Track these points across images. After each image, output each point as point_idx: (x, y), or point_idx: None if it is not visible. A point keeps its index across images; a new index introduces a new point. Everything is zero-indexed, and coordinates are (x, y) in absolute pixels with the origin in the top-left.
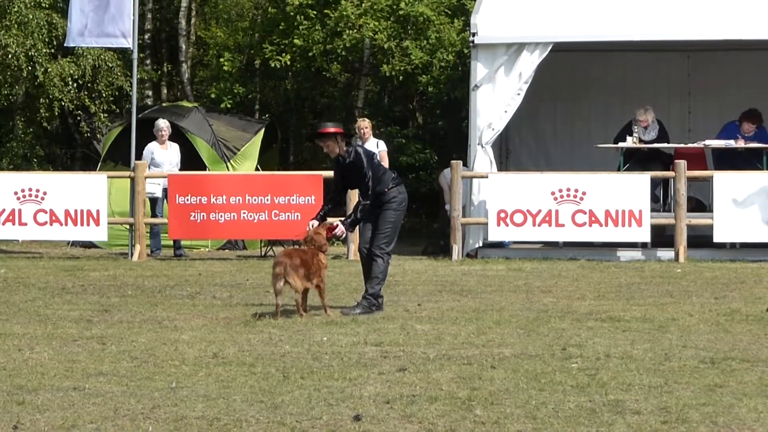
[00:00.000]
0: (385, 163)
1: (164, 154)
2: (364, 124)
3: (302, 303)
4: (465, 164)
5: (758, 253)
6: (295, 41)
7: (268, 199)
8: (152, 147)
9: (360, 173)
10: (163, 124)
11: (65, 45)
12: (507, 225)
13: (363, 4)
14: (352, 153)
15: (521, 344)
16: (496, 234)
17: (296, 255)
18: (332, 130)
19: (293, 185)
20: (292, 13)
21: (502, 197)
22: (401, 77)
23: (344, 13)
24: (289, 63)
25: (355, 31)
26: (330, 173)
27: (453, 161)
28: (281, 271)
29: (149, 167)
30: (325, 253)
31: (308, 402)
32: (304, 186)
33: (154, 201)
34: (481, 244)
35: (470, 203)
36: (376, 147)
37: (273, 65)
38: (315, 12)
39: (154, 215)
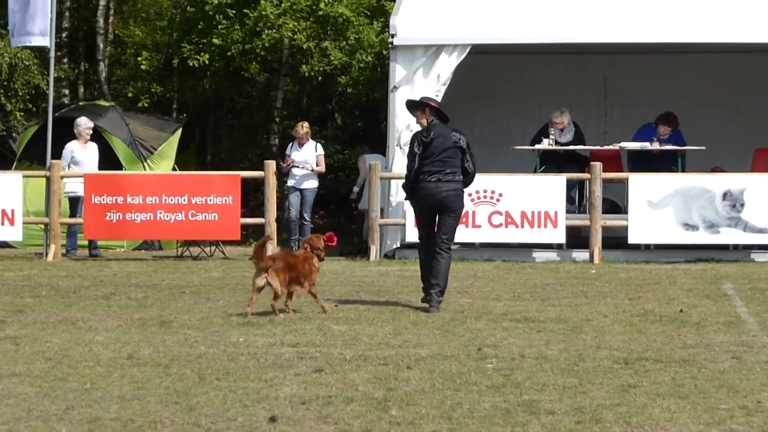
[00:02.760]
0: (322, 167)
1: (85, 153)
2: (304, 130)
3: (287, 302)
4: (383, 165)
5: (672, 254)
6: (214, 41)
7: (185, 200)
8: (72, 146)
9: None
10: (85, 123)
11: (12, 45)
12: None
13: (282, 4)
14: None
15: (437, 345)
16: (413, 235)
17: (284, 258)
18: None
19: (210, 185)
20: (210, 13)
21: None
22: (320, 78)
23: (263, 12)
24: (207, 62)
25: (275, 31)
26: (248, 173)
27: (371, 162)
28: (265, 267)
29: (69, 166)
30: (320, 258)
31: (224, 403)
32: (221, 186)
33: (75, 200)
34: (398, 245)
35: (388, 204)
36: (315, 150)
37: (191, 64)
38: (234, 11)
39: (74, 215)
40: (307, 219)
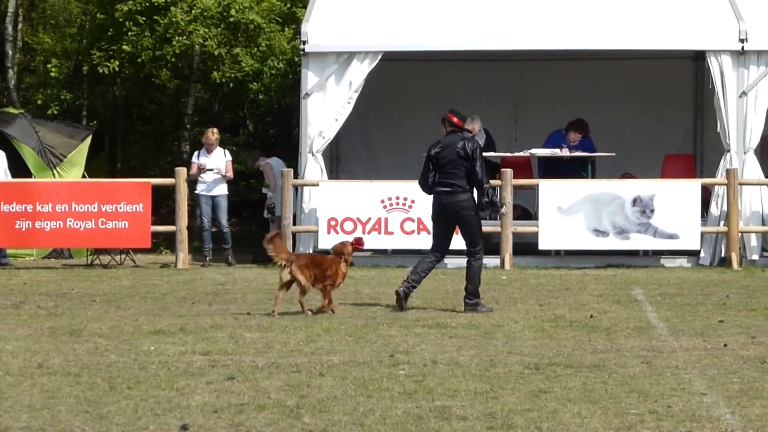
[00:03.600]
0: (231, 173)
1: None
2: (215, 136)
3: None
4: (295, 172)
5: (582, 260)
6: (124, 47)
7: (95, 207)
8: None
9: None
10: None
11: None
12: (337, 233)
13: (193, 11)
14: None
15: (350, 351)
16: (326, 242)
17: (311, 257)
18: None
19: (121, 193)
20: (120, 19)
21: (332, 205)
22: (232, 84)
23: (174, 19)
24: (117, 69)
25: (185, 37)
26: (158, 180)
27: (284, 170)
28: (289, 260)
29: None
30: (348, 263)
31: (135, 412)
32: (131, 193)
33: None
34: (311, 252)
35: (301, 211)
36: (224, 156)
37: (101, 71)
38: (144, 18)
39: None
40: (225, 225)
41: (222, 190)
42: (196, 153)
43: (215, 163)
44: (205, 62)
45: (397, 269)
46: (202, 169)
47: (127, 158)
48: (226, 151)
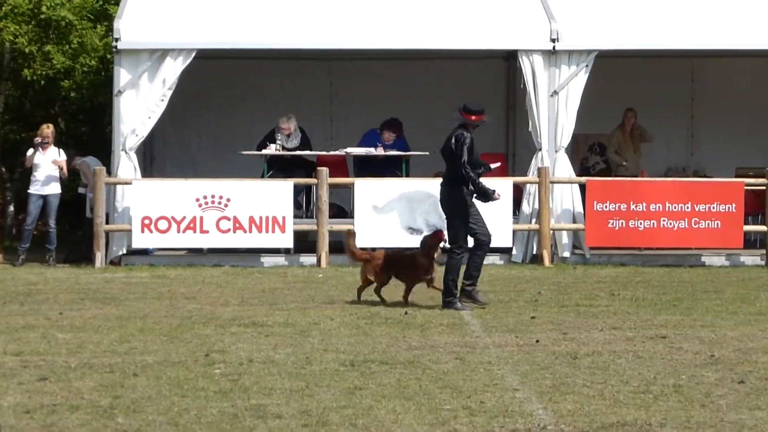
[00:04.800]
0: (66, 171)
1: None
2: (50, 129)
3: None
4: (109, 170)
5: None
6: None
7: None
8: None
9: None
10: None
11: None
12: (151, 232)
13: (3, 8)
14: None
15: (164, 351)
16: (140, 241)
17: (387, 256)
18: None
19: None
20: None
21: (146, 204)
22: (43, 82)
23: None
24: None
25: None
26: None
27: (97, 168)
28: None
29: None
30: (432, 258)
31: None
32: None
33: None
34: (125, 251)
35: (114, 210)
36: (58, 155)
37: None
38: None
39: None
40: (53, 226)
41: (55, 189)
42: (30, 151)
43: (51, 161)
44: (15, 59)
45: (212, 268)
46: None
47: None
48: (60, 150)
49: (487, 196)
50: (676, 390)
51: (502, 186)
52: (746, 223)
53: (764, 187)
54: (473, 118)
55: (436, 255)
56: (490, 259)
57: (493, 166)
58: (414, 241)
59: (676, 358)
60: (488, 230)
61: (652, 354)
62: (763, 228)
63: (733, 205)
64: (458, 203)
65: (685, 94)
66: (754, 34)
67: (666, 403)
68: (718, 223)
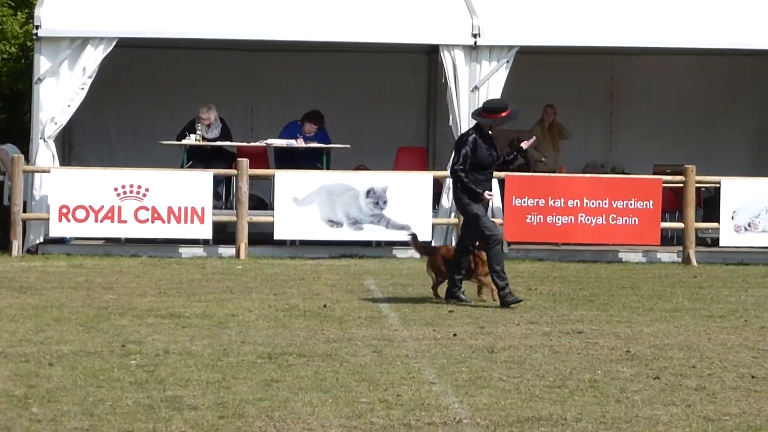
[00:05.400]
0: None
1: None
2: None
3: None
4: (27, 158)
5: (317, 250)
6: None
7: None
8: None
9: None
10: None
11: None
12: (69, 221)
13: None
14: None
15: (80, 341)
16: (57, 230)
17: (447, 250)
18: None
19: None
20: None
21: (64, 192)
22: None
23: None
24: None
25: None
26: None
27: (15, 155)
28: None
29: None
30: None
31: None
32: None
33: None
34: (42, 240)
35: (31, 198)
36: None
37: None
38: None
39: None
40: None
41: None
42: None
43: None
44: None
45: (130, 258)
46: None
47: None
48: None
49: (475, 196)
50: (591, 385)
51: (422, 180)
52: (663, 220)
53: (681, 185)
54: (491, 116)
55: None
56: (409, 253)
57: (525, 145)
58: (333, 234)
59: (592, 353)
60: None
61: (568, 349)
62: (680, 225)
63: (651, 201)
64: (459, 200)
65: (605, 91)
66: (674, 33)
67: (581, 398)
68: (635, 220)
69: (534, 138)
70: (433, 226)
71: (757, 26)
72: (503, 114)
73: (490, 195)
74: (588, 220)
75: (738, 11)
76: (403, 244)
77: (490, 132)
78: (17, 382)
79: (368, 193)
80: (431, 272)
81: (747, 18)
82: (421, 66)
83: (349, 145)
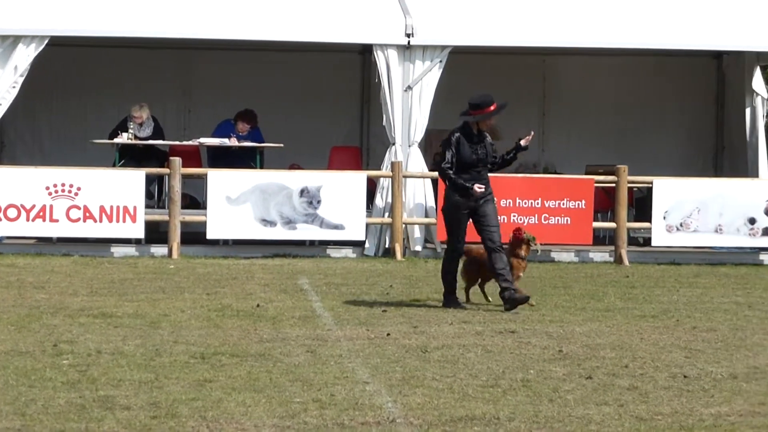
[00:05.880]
0: None
1: None
2: None
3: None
4: None
5: (250, 249)
6: None
7: None
8: None
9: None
10: None
11: None
12: (0, 220)
13: None
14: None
15: (12, 341)
16: None
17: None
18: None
19: None
20: None
21: None
22: None
23: None
24: None
25: None
26: None
27: None
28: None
29: None
30: (517, 257)
31: None
32: None
33: None
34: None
35: None
36: None
37: None
38: None
39: None
40: None
41: None
42: None
43: None
44: None
45: (62, 257)
46: None
47: None
48: None
49: (464, 191)
50: (524, 384)
51: (356, 179)
52: (596, 219)
53: (614, 185)
54: (477, 113)
55: (522, 252)
56: (342, 252)
57: (524, 142)
58: (266, 233)
59: (525, 352)
60: (460, 240)
61: (501, 348)
62: (612, 225)
63: (583, 201)
64: (445, 200)
65: (537, 91)
66: (604, 33)
67: (514, 397)
68: (567, 220)
69: (533, 133)
70: (367, 225)
71: (686, 27)
72: (490, 108)
73: (480, 188)
74: (520, 219)
75: (668, 12)
76: (337, 243)
77: (480, 130)
78: None
79: (302, 192)
80: (464, 276)
81: (677, 19)
82: (354, 65)
83: (282, 145)
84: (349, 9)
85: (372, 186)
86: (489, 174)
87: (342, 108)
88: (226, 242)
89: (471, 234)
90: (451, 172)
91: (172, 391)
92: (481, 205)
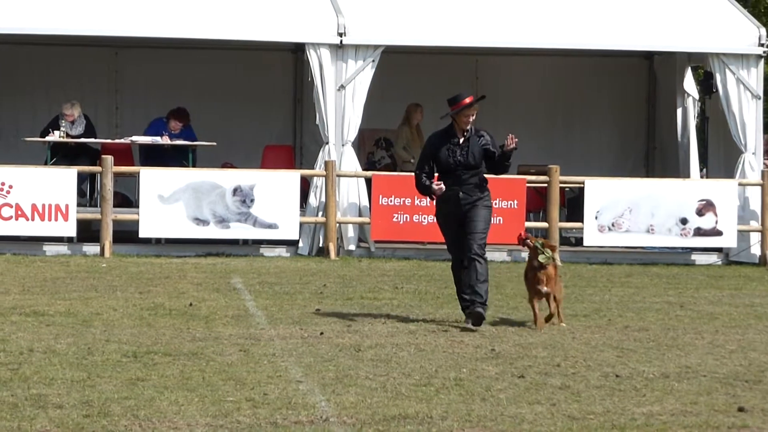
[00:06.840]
0: None
1: None
2: None
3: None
4: None
5: (183, 248)
6: None
7: None
8: None
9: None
10: None
11: None
12: None
13: None
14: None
15: None
16: None
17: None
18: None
19: None
20: None
21: None
22: None
23: None
24: None
25: None
26: None
27: None
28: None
29: None
30: (534, 268)
31: None
32: None
33: None
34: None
35: None
36: None
37: None
38: None
39: None
40: None
41: None
42: None
43: None
44: None
45: None
46: None
47: None
48: None
49: (429, 192)
50: (457, 383)
51: (289, 178)
52: (528, 219)
53: (546, 185)
54: (453, 107)
55: (534, 262)
56: (276, 251)
57: (506, 149)
58: (199, 232)
59: (458, 351)
60: (454, 248)
61: (434, 347)
62: (544, 225)
63: (515, 201)
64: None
65: (469, 91)
66: (536, 34)
67: (447, 396)
68: (500, 219)
69: (511, 136)
70: (301, 224)
71: (618, 28)
72: (465, 101)
73: (437, 185)
74: None
75: (599, 13)
76: (270, 242)
77: (465, 133)
78: None
79: (235, 191)
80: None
81: (608, 20)
82: (287, 64)
83: (215, 143)
84: (282, 8)
85: (305, 185)
86: (491, 176)
87: (275, 107)
88: (158, 241)
89: None
90: (418, 172)
91: (104, 390)
92: (468, 210)
